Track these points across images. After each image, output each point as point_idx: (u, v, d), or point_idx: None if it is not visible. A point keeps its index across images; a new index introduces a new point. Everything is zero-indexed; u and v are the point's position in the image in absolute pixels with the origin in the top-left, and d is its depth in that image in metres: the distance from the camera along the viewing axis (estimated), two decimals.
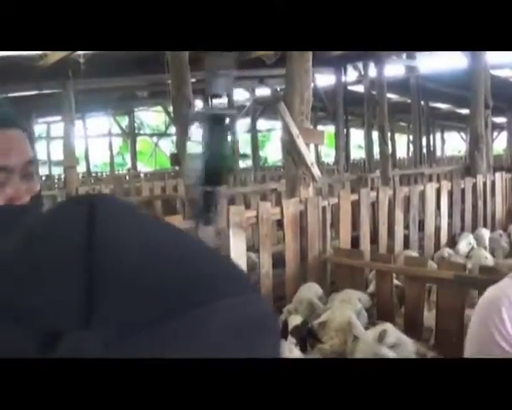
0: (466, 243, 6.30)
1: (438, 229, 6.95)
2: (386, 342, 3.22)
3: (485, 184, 7.89)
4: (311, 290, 4.61)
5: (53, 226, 0.42)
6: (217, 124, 1.24)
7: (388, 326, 3.45)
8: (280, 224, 5.71)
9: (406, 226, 6.53)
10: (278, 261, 5.39)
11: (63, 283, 0.37)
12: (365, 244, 5.94)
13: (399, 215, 6.33)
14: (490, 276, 4.01)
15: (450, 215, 7.22)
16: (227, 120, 1.28)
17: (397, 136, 24.12)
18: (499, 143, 25.21)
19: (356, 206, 6.04)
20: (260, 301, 0.46)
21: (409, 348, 3.33)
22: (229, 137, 1.28)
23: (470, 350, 1.67)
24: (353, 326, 3.71)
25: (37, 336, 0.34)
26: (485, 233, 6.80)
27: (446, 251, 6.04)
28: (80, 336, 0.34)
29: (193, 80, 7.29)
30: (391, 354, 3.16)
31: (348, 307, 4.02)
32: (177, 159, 6.98)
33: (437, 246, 6.81)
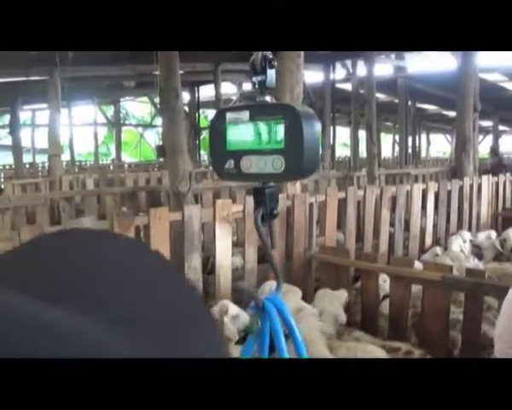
0: (457, 244, 6.32)
1: (423, 229, 6.95)
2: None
3: (471, 186, 7.91)
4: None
5: None
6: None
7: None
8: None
9: (391, 226, 6.52)
10: (263, 257, 5.35)
11: None
12: (350, 243, 5.92)
13: (386, 214, 6.31)
14: (476, 279, 4.02)
15: (436, 216, 7.23)
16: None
17: (382, 135, 24.21)
18: (484, 147, 25.39)
19: (342, 204, 6.01)
20: None
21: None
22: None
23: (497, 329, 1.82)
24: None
25: None
26: (467, 235, 6.80)
27: (438, 249, 6.05)
28: None
29: (181, 72, 7.20)
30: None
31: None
32: (163, 150, 6.90)
33: (421, 247, 6.82)
